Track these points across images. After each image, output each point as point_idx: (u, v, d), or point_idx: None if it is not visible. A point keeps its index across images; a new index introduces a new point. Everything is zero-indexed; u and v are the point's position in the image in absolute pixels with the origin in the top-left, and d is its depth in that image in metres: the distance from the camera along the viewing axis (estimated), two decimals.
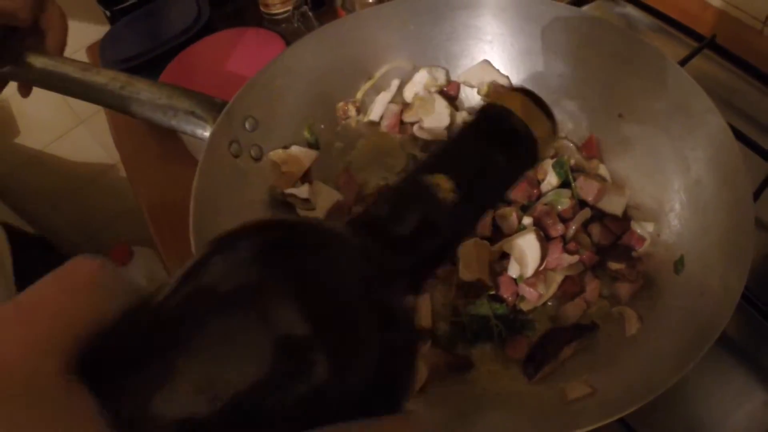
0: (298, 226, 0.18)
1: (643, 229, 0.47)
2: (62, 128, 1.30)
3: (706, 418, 0.45)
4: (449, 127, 0.56)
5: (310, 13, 0.73)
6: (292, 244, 0.17)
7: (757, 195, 0.51)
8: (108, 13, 0.85)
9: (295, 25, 0.73)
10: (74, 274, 0.16)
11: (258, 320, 0.15)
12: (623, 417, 0.40)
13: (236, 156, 0.50)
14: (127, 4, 0.84)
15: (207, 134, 0.49)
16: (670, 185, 0.47)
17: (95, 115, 1.31)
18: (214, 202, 0.46)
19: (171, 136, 0.75)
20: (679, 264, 0.43)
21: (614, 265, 0.45)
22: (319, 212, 0.52)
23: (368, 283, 0.17)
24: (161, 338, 0.15)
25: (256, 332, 0.15)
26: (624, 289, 0.44)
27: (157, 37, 0.76)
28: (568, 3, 0.70)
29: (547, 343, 0.43)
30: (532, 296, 0.44)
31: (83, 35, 1.05)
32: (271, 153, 0.53)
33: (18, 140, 1.26)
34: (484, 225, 0.46)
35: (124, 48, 0.77)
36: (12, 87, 1.23)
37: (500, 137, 0.22)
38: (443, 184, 0.20)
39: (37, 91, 1.26)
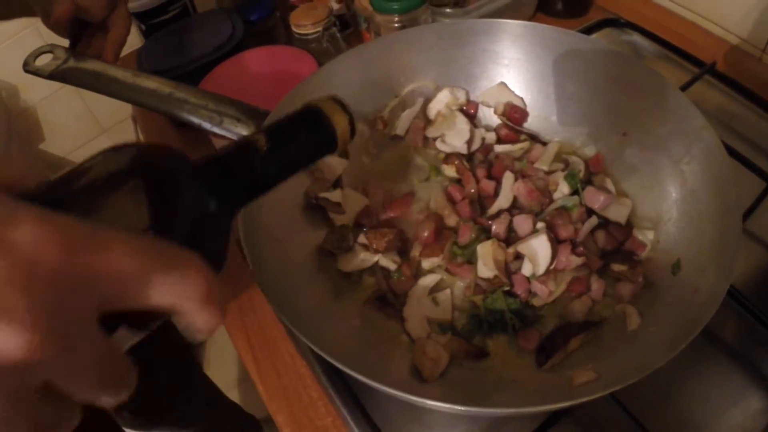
0: (162, 149, 0.29)
1: (644, 236, 0.53)
2: (85, 137, 1.37)
3: (706, 415, 0.50)
4: (469, 142, 0.63)
5: (338, 35, 0.80)
6: (152, 158, 0.28)
7: (752, 210, 0.58)
8: (143, 27, 0.93)
9: (324, 45, 0.80)
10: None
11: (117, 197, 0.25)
12: (634, 415, 0.46)
13: None
14: (162, 19, 0.92)
15: None
16: (668, 196, 0.53)
17: (118, 125, 1.39)
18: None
19: (201, 144, 0.82)
20: (676, 267, 0.49)
21: (617, 267, 0.51)
22: (349, 215, 0.59)
23: (194, 194, 0.28)
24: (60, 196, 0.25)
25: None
26: (626, 288, 0.50)
27: (192, 51, 0.83)
28: (578, 31, 0.77)
29: (557, 335, 0.48)
30: (543, 293, 0.50)
31: None
32: None
33: (42, 146, 1.33)
34: (502, 228, 0.53)
35: (160, 60, 0.83)
36: (40, 93, 1.30)
37: (309, 123, 0.34)
38: (260, 139, 0.31)
39: (62, 100, 1.34)
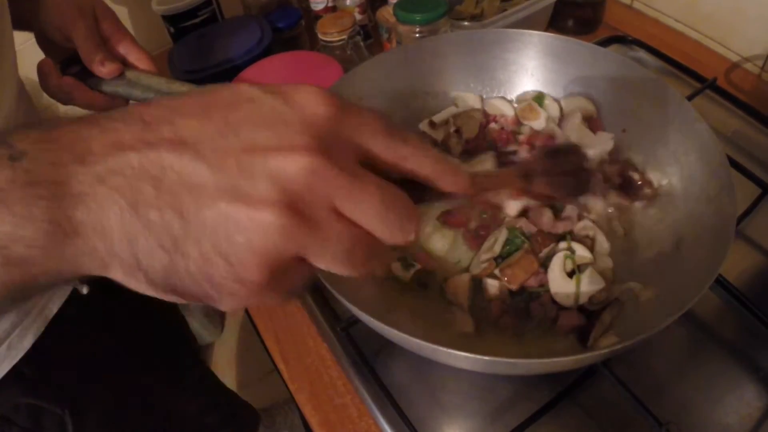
0: None
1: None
2: None
3: (704, 401, 0.56)
4: None
5: (362, 43, 0.89)
6: None
7: (747, 214, 0.66)
8: (172, 30, 1.03)
9: (348, 52, 0.89)
10: None
11: None
12: (639, 397, 0.53)
13: None
14: (191, 23, 1.01)
15: None
16: (669, 183, 0.63)
17: None
18: None
19: None
20: (680, 243, 0.58)
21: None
22: None
23: None
24: None
25: None
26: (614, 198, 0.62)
27: (222, 54, 0.92)
28: None
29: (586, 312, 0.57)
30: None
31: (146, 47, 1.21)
32: None
33: None
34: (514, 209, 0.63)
35: (191, 61, 0.92)
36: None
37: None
38: None
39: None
